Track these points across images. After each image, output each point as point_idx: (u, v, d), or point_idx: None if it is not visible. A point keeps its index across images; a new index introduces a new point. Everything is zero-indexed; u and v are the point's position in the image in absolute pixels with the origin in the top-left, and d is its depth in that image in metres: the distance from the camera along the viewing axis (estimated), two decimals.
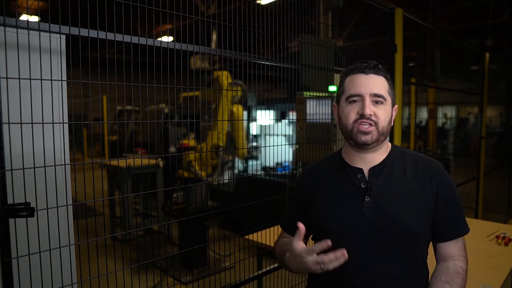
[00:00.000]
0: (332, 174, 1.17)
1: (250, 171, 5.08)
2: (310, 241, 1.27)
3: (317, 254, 0.96)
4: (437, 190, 1.08)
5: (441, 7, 9.47)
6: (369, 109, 1.03)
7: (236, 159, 4.87)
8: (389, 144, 1.16)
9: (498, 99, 6.97)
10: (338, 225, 1.08)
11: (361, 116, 1.04)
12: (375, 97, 1.05)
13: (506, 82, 7.50)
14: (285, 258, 1.07)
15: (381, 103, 1.06)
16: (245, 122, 4.74)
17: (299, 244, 1.00)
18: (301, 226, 0.99)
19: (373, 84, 1.06)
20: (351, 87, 1.07)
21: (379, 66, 1.09)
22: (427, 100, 6.87)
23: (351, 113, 1.06)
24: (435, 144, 7.58)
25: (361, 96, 1.05)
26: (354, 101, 1.06)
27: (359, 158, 1.12)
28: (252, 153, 5.16)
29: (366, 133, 1.04)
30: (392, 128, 2.61)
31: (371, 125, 1.04)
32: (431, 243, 1.15)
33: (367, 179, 1.09)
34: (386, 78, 1.10)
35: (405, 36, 2.63)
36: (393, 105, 1.11)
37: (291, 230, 1.25)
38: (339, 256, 0.93)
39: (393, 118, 1.12)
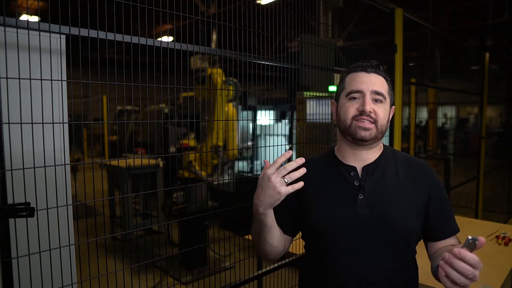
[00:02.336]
0: (324, 172, 1.16)
1: (249, 171, 5.07)
2: (301, 240, 1.26)
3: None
4: (428, 190, 1.10)
5: (441, 7, 9.47)
6: (370, 106, 1.04)
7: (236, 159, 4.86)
8: (382, 144, 1.17)
9: (498, 99, 6.97)
10: (330, 222, 1.07)
11: (361, 112, 1.04)
12: (375, 94, 1.06)
13: (506, 82, 7.50)
14: (254, 201, 1.03)
15: (381, 101, 1.06)
16: (241, 122, 4.73)
17: (263, 172, 0.99)
18: (266, 161, 1.00)
19: (374, 82, 1.07)
20: (352, 84, 1.08)
21: (381, 67, 1.10)
22: (427, 100, 6.88)
23: (351, 109, 1.06)
24: (435, 144, 7.58)
25: (362, 92, 1.06)
26: (354, 98, 1.07)
27: (353, 156, 1.12)
28: (243, 154, 5.11)
29: (365, 129, 1.04)
30: (392, 128, 2.63)
31: (370, 122, 1.04)
32: (422, 243, 1.16)
33: (360, 177, 1.09)
34: (386, 80, 1.11)
35: (405, 36, 2.63)
36: (391, 106, 1.12)
37: (281, 228, 1.24)
38: (299, 162, 0.94)
39: (390, 118, 1.13)
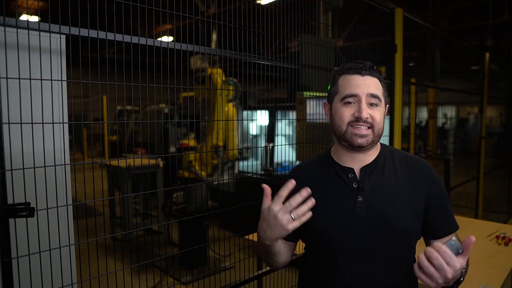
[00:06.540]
0: (321, 174, 1.15)
1: (250, 171, 5.07)
2: (301, 243, 1.26)
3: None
4: (427, 188, 1.09)
5: (441, 7, 9.48)
6: (366, 112, 1.01)
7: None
8: (379, 143, 1.15)
9: (498, 99, 6.97)
10: (331, 226, 1.07)
11: (357, 119, 1.02)
12: (371, 98, 1.03)
13: (506, 82, 7.50)
14: (258, 231, 1.00)
15: (377, 105, 1.04)
16: (241, 122, 4.73)
17: (266, 204, 0.94)
18: (265, 186, 0.95)
19: (369, 85, 1.04)
20: (346, 88, 1.05)
21: (374, 67, 1.07)
22: (427, 100, 6.87)
23: (346, 115, 1.04)
24: (435, 144, 7.58)
25: (357, 97, 1.03)
26: (350, 102, 1.04)
27: (350, 157, 1.10)
28: (243, 154, 5.11)
29: (362, 136, 1.02)
30: (392, 128, 2.63)
31: (368, 127, 1.03)
32: (423, 241, 1.15)
33: (358, 178, 1.08)
34: (380, 80, 1.08)
35: (405, 36, 2.63)
36: (386, 106, 1.11)
37: (285, 238, 1.24)
38: (304, 195, 0.89)
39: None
